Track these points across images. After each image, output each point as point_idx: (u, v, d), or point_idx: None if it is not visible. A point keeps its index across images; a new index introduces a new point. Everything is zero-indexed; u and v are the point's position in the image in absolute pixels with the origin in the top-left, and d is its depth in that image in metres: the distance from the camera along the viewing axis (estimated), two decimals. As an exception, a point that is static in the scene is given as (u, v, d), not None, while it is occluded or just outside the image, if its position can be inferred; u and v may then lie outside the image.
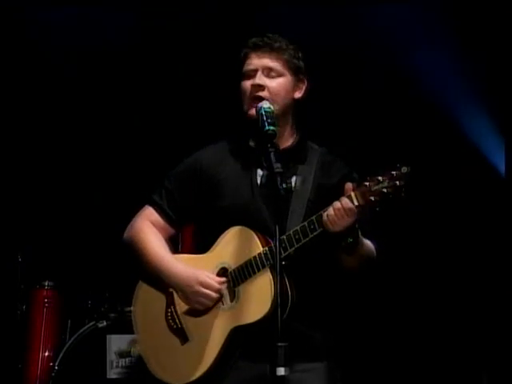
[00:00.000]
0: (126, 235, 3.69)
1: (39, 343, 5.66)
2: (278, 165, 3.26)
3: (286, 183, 3.29)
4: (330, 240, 3.41)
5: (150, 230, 3.63)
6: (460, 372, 6.19)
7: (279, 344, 3.11)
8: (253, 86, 3.54)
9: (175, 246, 4.44)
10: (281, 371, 3.10)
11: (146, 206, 3.69)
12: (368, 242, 3.54)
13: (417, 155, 6.17)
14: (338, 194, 3.44)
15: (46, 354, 5.65)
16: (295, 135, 3.65)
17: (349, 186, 3.37)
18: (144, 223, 3.65)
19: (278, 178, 3.24)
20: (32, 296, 5.76)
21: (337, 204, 3.35)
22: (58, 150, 6.36)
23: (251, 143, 3.62)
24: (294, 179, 3.56)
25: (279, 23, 5.92)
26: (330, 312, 3.63)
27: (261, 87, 3.53)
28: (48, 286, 5.77)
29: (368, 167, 3.42)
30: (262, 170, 3.56)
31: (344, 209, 3.34)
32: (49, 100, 6.35)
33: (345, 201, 3.34)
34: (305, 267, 3.49)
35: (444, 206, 6.23)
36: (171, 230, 3.68)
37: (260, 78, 3.55)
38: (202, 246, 3.63)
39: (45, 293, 5.74)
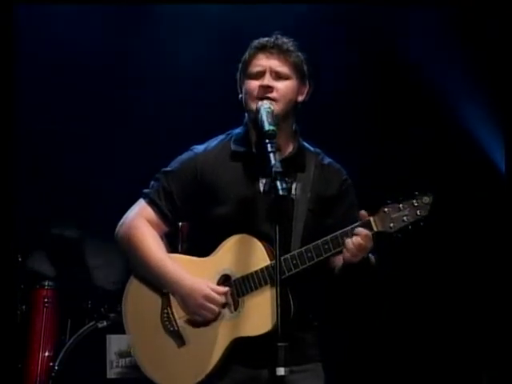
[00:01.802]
0: (121, 231, 3.64)
1: (39, 343, 5.66)
2: (278, 164, 3.25)
3: (286, 183, 3.27)
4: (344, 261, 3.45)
5: (147, 230, 3.59)
6: (460, 372, 6.19)
7: (279, 344, 3.11)
8: (261, 86, 3.53)
9: (175, 242, 4.42)
10: (281, 371, 3.10)
11: (142, 203, 3.64)
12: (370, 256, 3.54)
13: (416, 152, 6.18)
14: (337, 204, 3.54)
15: (46, 354, 5.65)
16: (295, 141, 3.64)
17: (363, 213, 3.40)
18: (140, 221, 3.61)
19: (278, 177, 3.22)
20: (32, 296, 5.76)
21: (357, 240, 3.36)
22: (57, 150, 6.36)
23: (254, 150, 3.59)
24: (294, 186, 3.56)
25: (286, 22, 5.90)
26: (321, 314, 3.63)
27: (269, 88, 3.52)
28: (48, 285, 5.77)
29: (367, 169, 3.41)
30: (265, 177, 3.53)
31: (365, 242, 3.36)
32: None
33: (366, 236, 3.36)
34: (304, 276, 3.47)
35: (443, 204, 6.21)
36: (166, 228, 3.65)
37: (269, 80, 3.53)
38: (197, 248, 3.60)
39: (45, 293, 5.74)
